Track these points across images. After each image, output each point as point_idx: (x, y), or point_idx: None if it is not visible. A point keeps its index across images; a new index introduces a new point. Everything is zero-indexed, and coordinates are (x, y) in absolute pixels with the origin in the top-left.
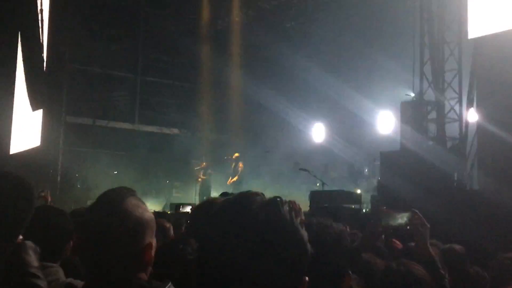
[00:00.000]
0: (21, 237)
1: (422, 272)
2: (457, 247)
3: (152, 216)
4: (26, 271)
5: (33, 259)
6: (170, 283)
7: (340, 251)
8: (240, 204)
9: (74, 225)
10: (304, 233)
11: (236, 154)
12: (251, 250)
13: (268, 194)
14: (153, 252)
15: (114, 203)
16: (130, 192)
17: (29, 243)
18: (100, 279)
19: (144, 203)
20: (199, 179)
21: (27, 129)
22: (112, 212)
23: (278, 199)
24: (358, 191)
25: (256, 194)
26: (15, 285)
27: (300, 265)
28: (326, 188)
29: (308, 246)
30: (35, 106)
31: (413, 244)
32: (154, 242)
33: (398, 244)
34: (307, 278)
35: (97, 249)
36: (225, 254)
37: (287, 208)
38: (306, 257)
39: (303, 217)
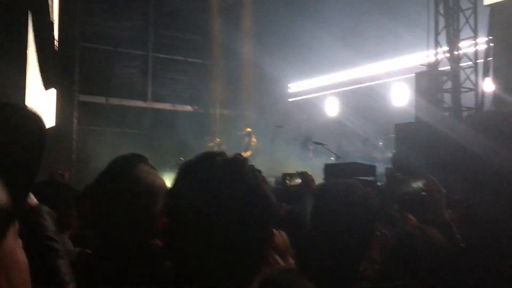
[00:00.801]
0: (36, 201)
1: (438, 235)
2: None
3: (164, 183)
4: (44, 234)
5: (49, 223)
6: None
7: (367, 211)
8: (201, 163)
9: (85, 194)
10: (268, 188)
11: (248, 129)
12: (215, 206)
13: (282, 168)
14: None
15: (125, 169)
16: (141, 158)
17: (44, 207)
18: (112, 245)
19: (156, 170)
20: None
21: (41, 109)
22: (123, 177)
23: (239, 156)
24: (373, 164)
25: (217, 153)
26: (34, 248)
27: (265, 218)
28: (340, 161)
29: (273, 200)
30: (47, 85)
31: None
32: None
33: (412, 219)
34: (274, 230)
35: (109, 214)
36: (191, 210)
37: (248, 165)
38: (270, 211)
39: (315, 187)
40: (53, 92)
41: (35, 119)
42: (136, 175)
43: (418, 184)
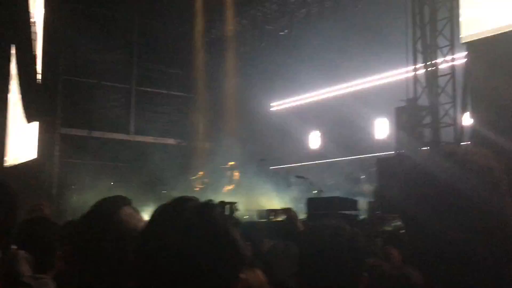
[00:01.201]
0: (14, 246)
1: (416, 276)
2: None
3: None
4: (19, 280)
5: (25, 269)
6: None
7: (355, 253)
8: (174, 208)
9: (67, 235)
10: (236, 234)
11: (231, 163)
12: (184, 252)
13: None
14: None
15: (108, 212)
16: (124, 201)
17: (21, 252)
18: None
19: (139, 213)
20: (196, 189)
21: (23, 142)
22: (106, 222)
23: (210, 202)
24: (355, 198)
25: (190, 199)
26: None
27: (233, 264)
28: (322, 195)
29: (241, 246)
30: (30, 118)
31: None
32: None
33: (395, 252)
34: (242, 276)
35: (91, 259)
36: (161, 253)
37: (218, 211)
38: (239, 256)
39: (299, 224)
40: (35, 124)
41: (6, 190)
42: (120, 218)
43: (396, 223)
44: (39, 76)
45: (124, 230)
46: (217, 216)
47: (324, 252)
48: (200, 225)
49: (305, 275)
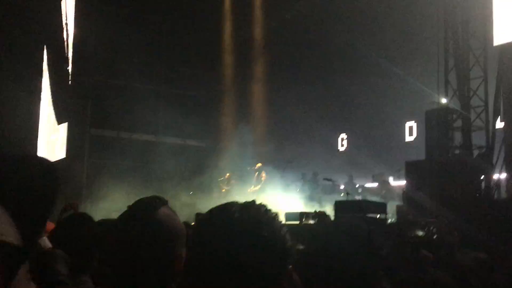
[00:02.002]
0: (50, 245)
1: (448, 280)
2: (481, 254)
3: (183, 226)
4: (56, 278)
5: (62, 268)
6: None
7: (370, 250)
8: (221, 213)
9: (102, 235)
10: (284, 231)
11: (259, 164)
12: (235, 251)
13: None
14: (182, 263)
15: (147, 212)
16: (162, 201)
17: (59, 251)
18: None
19: (175, 213)
20: (223, 190)
21: (54, 142)
22: (145, 222)
23: (255, 203)
24: (383, 201)
25: (235, 202)
26: None
27: (278, 258)
28: (350, 198)
29: (287, 242)
30: (60, 119)
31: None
32: (184, 253)
33: (428, 254)
34: (290, 267)
35: (129, 259)
36: (209, 255)
37: (264, 211)
38: (285, 251)
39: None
40: (65, 125)
41: (50, 169)
42: (158, 218)
43: (430, 227)
44: (70, 77)
45: (162, 231)
46: (263, 214)
47: (336, 248)
48: (247, 224)
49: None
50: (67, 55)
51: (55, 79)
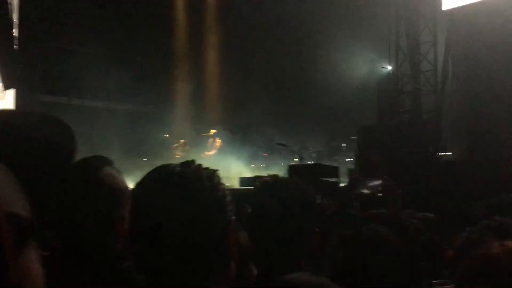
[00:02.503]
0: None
1: (392, 236)
2: (430, 215)
3: (127, 187)
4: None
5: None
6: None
7: (305, 207)
8: (161, 169)
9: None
10: (224, 192)
11: (213, 131)
12: (173, 212)
13: (246, 170)
14: (124, 224)
15: (89, 171)
16: (106, 161)
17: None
18: (71, 247)
19: (120, 173)
20: (177, 156)
21: (1, 108)
22: (87, 180)
23: (193, 162)
24: (336, 165)
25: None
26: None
27: (219, 212)
28: (303, 162)
29: (226, 199)
30: (7, 85)
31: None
32: (126, 214)
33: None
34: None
35: (70, 216)
36: (155, 210)
37: (202, 170)
38: (224, 207)
39: None
40: (12, 91)
41: (66, 129)
42: (101, 177)
43: (374, 185)
44: (16, 42)
45: (103, 190)
46: (203, 170)
47: (271, 205)
48: (188, 185)
49: (258, 229)
50: (11, 17)
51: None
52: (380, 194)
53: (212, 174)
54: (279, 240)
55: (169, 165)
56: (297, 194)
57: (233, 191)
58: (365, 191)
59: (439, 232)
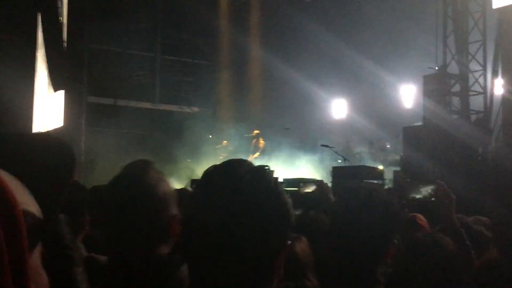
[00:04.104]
0: None
1: (448, 242)
2: (484, 218)
3: (173, 189)
4: (62, 243)
5: (67, 232)
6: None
7: (388, 218)
8: (227, 168)
9: (95, 200)
10: (288, 199)
11: (256, 131)
12: (235, 211)
13: (289, 171)
14: (176, 224)
15: (137, 176)
16: (150, 164)
17: (62, 216)
18: (121, 253)
19: (164, 175)
20: (220, 157)
21: (50, 110)
22: (136, 185)
23: (265, 167)
24: (380, 167)
25: (244, 160)
26: (52, 256)
27: (282, 228)
28: (347, 164)
29: (292, 212)
30: (56, 87)
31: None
32: (177, 215)
33: (423, 220)
34: (289, 242)
35: (121, 223)
36: (211, 215)
37: (271, 175)
38: (288, 222)
39: (331, 196)
40: (61, 93)
41: (66, 149)
42: (148, 182)
43: (427, 190)
44: (65, 45)
45: (153, 193)
46: (271, 179)
47: (358, 212)
48: (252, 186)
49: (336, 236)
50: (62, 21)
51: (50, 47)
52: (433, 199)
53: (277, 181)
54: (358, 250)
55: (235, 168)
56: (381, 203)
57: None
58: (418, 196)
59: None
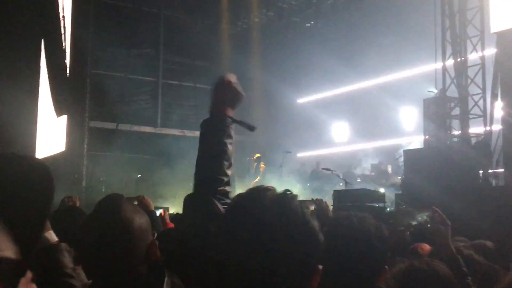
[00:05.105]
0: (56, 239)
1: (444, 269)
2: (488, 243)
3: (148, 220)
4: (62, 272)
5: (68, 260)
6: (166, 277)
7: (380, 243)
8: (252, 199)
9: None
10: (316, 224)
11: (257, 155)
12: (265, 244)
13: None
14: (156, 249)
15: (112, 213)
16: (121, 197)
17: (63, 245)
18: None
19: (136, 206)
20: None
21: (52, 135)
22: (112, 223)
23: (288, 192)
24: (382, 190)
25: (267, 189)
26: (52, 285)
27: (313, 254)
28: (349, 187)
29: (320, 236)
30: (59, 112)
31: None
32: (152, 239)
33: (426, 247)
34: (320, 267)
35: (101, 261)
36: (240, 249)
37: (297, 201)
38: (319, 247)
39: (330, 214)
40: (64, 118)
41: (43, 171)
42: (123, 217)
43: (423, 217)
44: (68, 70)
45: (130, 228)
46: (296, 206)
47: (351, 239)
48: (280, 216)
49: (330, 262)
50: (65, 47)
51: (53, 72)
52: (429, 226)
53: (303, 206)
54: (351, 274)
55: (260, 198)
56: (373, 230)
57: None
58: (413, 222)
59: (496, 261)
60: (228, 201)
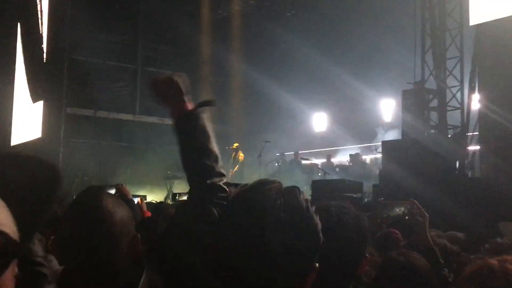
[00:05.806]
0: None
1: (422, 261)
2: (459, 234)
3: (130, 212)
4: (32, 259)
5: (38, 249)
6: (144, 275)
7: (359, 233)
8: (258, 191)
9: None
10: (318, 222)
11: (236, 144)
12: (267, 235)
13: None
14: (138, 243)
15: (92, 206)
16: (102, 190)
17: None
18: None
19: (118, 198)
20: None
21: (28, 121)
22: (93, 216)
23: (295, 187)
24: (360, 181)
25: (274, 181)
26: (23, 273)
27: (313, 251)
28: (327, 177)
29: (321, 235)
30: (35, 97)
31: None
32: (134, 233)
33: (398, 233)
34: (317, 265)
35: (83, 255)
36: (243, 239)
37: (303, 196)
38: (318, 244)
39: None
40: (40, 104)
41: (53, 169)
42: (104, 210)
43: (401, 209)
44: (45, 55)
45: (111, 221)
46: (302, 201)
47: (329, 230)
48: (286, 209)
49: None
50: (42, 32)
51: (29, 57)
52: (407, 217)
53: (308, 202)
54: (331, 266)
55: (266, 190)
56: (354, 220)
57: None
58: (392, 214)
59: (469, 252)
60: (226, 190)
